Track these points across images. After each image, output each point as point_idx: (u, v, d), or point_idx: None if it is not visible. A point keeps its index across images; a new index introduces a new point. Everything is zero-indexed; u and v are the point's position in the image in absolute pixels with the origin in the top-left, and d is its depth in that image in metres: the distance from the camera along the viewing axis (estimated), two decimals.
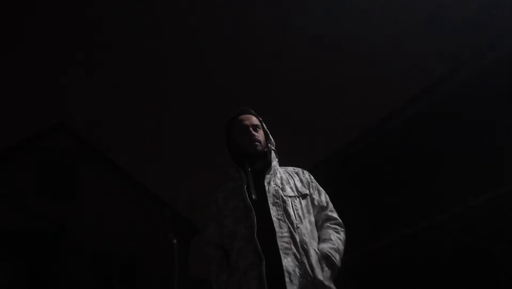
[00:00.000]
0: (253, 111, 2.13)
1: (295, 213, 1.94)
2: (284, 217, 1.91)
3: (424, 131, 5.50)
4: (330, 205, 2.07)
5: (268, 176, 2.00)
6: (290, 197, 1.97)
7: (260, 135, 2.05)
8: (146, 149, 6.39)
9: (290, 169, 2.10)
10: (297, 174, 2.08)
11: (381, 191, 6.17)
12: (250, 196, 1.93)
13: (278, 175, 2.03)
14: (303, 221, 1.96)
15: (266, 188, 1.95)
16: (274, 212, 1.91)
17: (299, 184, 2.03)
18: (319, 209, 2.04)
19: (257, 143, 2.02)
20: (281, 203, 1.94)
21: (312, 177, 2.10)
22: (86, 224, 9.76)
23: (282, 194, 1.96)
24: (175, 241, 8.85)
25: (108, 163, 10.56)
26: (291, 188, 2.00)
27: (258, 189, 1.96)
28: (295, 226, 1.92)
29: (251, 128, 2.04)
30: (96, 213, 9.98)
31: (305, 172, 2.11)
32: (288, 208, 1.93)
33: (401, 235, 5.63)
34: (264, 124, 2.12)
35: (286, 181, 2.02)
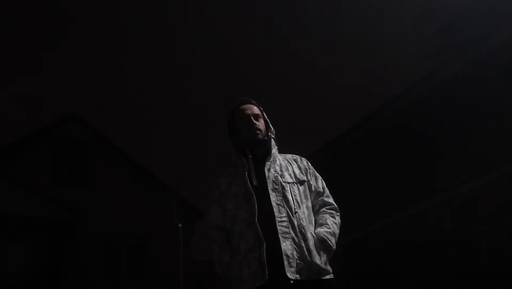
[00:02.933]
0: (254, 102, 2.13)
1: (293, 199, 1.95)
2: (283, 202, 1.92)
3: (415, 120, 5.48)
4: (327, 190, 2.08)
5: (268, 163, 2.00)
6: (288, 183, 1.97)
7: (260, 124, 2.06)
8: (153, 138, 6.37)
9: (288, 156, 2.11)
10: (295, 161, 2.09)
11: (370, 179, 6.18)
12: (251, 182, 1.94)
13: (278, 162, 2.03)
14: (301, 206, 1.96)
15: (266, 174, 1.96)
16: (273, 197, 1.91)
17: (297, 171, 2.04)
18: (316, 194, 2.05)
19: (258, 131, 2.02)
20: (280, 189, 1.94)
21: (310, 164, 2.10)
22: (97, 210, 9.82)
23: (281, 180, 1.96)
24: (180, 225, 8.96)
25: (117, 151, 10.60)
26: (289, 174, 2.01)
27: (259, 175, 1.97)
28: (293, 211, 1.92)
29: (252, 118, 2.04)
30: (107, 199, 10.04)
31: (303, 159, 2.11)
32: (287, 193, 1.94)
33: (392, 221, 5.66)
34: (264, 114, 2.13)
35: (285, 167, 2.03)
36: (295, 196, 1.97)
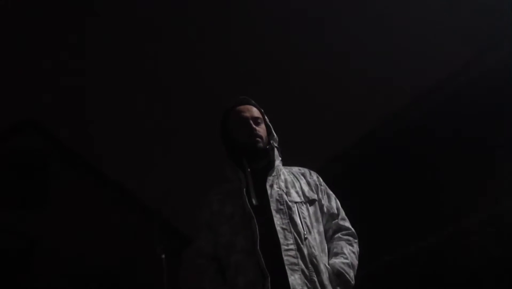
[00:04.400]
0: (253, 102, 2.10)
1: (302, 222, 1.91)
2: (289, 227, 1.88)
3: (443, 130, 5.47)
4: (342, 212, 2.05)
5: (270, 178, 1.96)
6: (296, 202, 1.94)
7: (261, 129, 2.03)
8: (130, 149, 6.30)
9: (295, 169, 2.08)
10: (303, 175, 2.06)
11: (395, 194, 6.13)
12: (250, 201, 1.90)
13: (282, 177, 2.00)
14: (312, 231, 1.93)
15: (269, 192, 1.92)
16: (278, 220, 1.87)
17: (306, 188, 2.01)
18: (329, 217, 2.02)
19: (258, 139, 1.99)
20: (286, 210, 1.90)
21: (321, 179, 2.08)
22: (60, 237, 9.75)
23: (287, 199, 1.93)
24: (163, 256, 8.82)
25: (84, 166, 10.54)
26: (296, 192, 1.97)
27: (259, 192, 1.93)
28: (302, 237, 1.89)
29: (251, 121, 2.01)
30: (72, 224, 9.97)
31: (313, 173, 2.09)
32: (294, 215, 1.90)
33: (425, 245, 5.61)
34: (266, 117, 2.10)
35: (291, 183, 1.99)
36: (304, 218, 1.93)
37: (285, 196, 1.93)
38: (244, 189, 1.93)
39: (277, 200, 1.91)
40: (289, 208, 1.91)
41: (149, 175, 5.23)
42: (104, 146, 4.57)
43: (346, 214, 2.08)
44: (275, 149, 2.03)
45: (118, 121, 4.14)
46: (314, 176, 2.08)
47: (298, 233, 1.88)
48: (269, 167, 2.00)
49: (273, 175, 1.98)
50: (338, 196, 2.11)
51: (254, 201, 1.90)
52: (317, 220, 1.97)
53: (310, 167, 2.16)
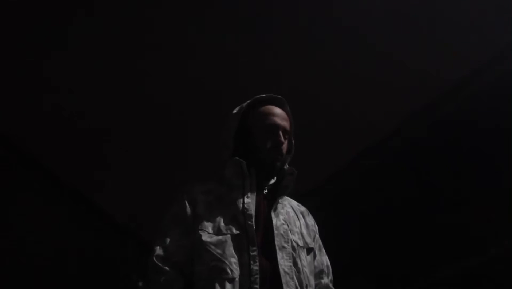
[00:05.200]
0: (288, 108, 1.93)
1: (303, 271, 1.66)
2: (292, 272, 1.60)
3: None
4: (331, 272, 1.86)
5: (278, 205, 1.73)
6: (299, 246, 1.71)
7: (285, 147, 1.86)
8: (102, 160, 5.36)
9: (294, 203, 1.91)
10: (302, 214, 1.89)
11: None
12: (246, 221, 1.61)
13: (287, 209, 1.80)
14: (310, 284, 1.69)
15: (274, 221, 1.68)
16: (281, 260, 1.59)
17: (304, 230, 1.83)
18: (319, 273, 1.80)
19: (279, 157, 1.82)
20: (290, 251, 1.65)
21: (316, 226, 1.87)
22: (16, 259, 8.41)
23: (291, 238, 1.70)
24: (140, 283, 8.24)
25: (49, 178, 9.00)
26: (297, 233, 1.76)
27: (262, 217, 1.69)
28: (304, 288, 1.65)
29: (281, 133, 1.83)
30: (31, 245, 8.62)
31: (310, 215, 1.93)
32: (298, 260, 1.66)
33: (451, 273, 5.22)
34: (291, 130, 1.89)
35: (293, 220, 1.79)
36: (304, 267, 1.67)
37: (289, 234, 1.70)
38: (242, 203, 1.63)
39: (282, 235, 1.66)
40: (294, 249, 1.68)
41: (125, 193, 5.23)
42: (74, 158, 4.86)
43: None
44: (293, 174, 1.80)
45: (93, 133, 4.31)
46: (312, 220, 1.91)
47: (300, 283, 1.63)
48: (280, 189, 1.79)
49: (283, 202, 1.79)
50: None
51: (253, 225, 1.62)
52: (311, 273, 1.74)
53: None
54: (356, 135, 4.44)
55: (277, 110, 1.88)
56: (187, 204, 1.69)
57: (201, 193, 1.74)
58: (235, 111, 1.90)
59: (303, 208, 1.91)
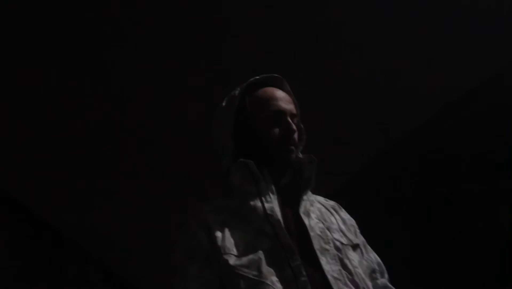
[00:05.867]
0: (288, 86, 1.65)
1: (356, 272, 1.41)
2: (343, 276, 1.35)
3: None
4: (384, 269, 1.61)
5: (304, 202, 1.48)
6: (342, 244, 1.45)
7: (297, 132, 1.58)
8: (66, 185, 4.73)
9: (320, 198, 1.63)
10: (333, 208, 1.61)
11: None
12: (277, 230, 1.37)
13: (316, 204, 1.55)
14: (368, 286, 1.43)
15: (306, 222, 1.41)
16: (326, 265, 1.34)
17: (343, 226, 1.55)
18: (371, 273, 1.54)
19: (292, 148, 1.53)
20: (335, 252, 1.39)
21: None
22: None
23: (332, 237, 1.44)
24: None
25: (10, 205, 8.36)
26: (337, 229, 1.50)
27: (291, 221, 1.43)
28: None
29: (289, 119, 1.54)
30: None
31: (342, 208, 1.66)
32: (346, 261, 1.40)
33: None
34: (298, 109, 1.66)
35: (328, 217, 1.53)
36: (355, 267, 1.42)
37: (328, 232, 1.43)
38: (264, 210, 1.40)
39: (319, 236, 1.41)
40: (338, 249, 1.41)
41: (87, 215, 4.36)
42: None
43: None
44: (313, 162, 1.55)
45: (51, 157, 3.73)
46: (347, 214, 1.64)
47: (356, 286, 1.37)
48: (302, 184, 1.52)
49: (309, 198, 1.52)
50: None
51: (286, 232, 1.37)
52: (365, 273, 1.47)
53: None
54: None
55: (279, 92, 1.59)
56: (199, 230, 1.43)
57: (211, 213, 1.46)
58: (225, 103, 1.59)
59: (332, 202, 1.65)
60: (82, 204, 4.10)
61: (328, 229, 1.45)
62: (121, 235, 4.39)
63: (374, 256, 1.59)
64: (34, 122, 3.40)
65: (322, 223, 1.46)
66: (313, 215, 1.46)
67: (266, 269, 1.30)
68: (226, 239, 1.37)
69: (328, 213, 1.55)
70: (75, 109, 3.32)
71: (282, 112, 1.53)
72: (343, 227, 1.54)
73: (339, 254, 1.39)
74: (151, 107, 3.37)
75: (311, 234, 1.38)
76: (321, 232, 1.41)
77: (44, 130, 3.43)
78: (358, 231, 1.60)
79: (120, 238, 4.48)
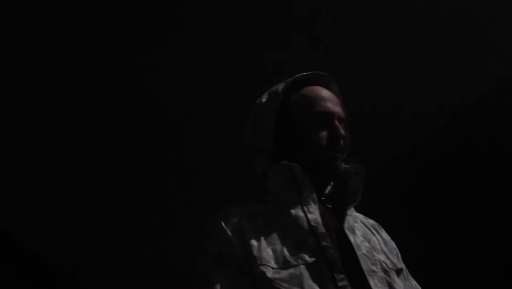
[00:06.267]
0: (337, 87, 1.53)
1: None
2: None
3: None
4: None
5: (348, 218, 1.37)
6: (389, 268, 1.33)
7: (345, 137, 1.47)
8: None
9: (360, 215, 1.51)
10: (373, 228, 1.49)
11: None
12: (325, 244, 1.25)
13: (359, 223, 1.43)
14: None
15: (352, 240, 1.30)
16: (375, 288, 1.23)
17: (385, 248, 1.43)
18: None
19: (339, 154, 1.41)
20: (383, 275, 1.28)
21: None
22: None
23: (380, 259, 1.32)
24: None
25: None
26: (381, 251, 1.38)
27: (334, 236, 1.30)
28: None
29: (337, 123, 1.42)
30: None
31: (382, 228, 1.54)
32: (395, 286, 1.29)
33: None
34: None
35: (371, 237, 1.42)
36: None
37: (375, 253, 1.31)
38: (308, 221, 1.29)
39: (366, 255, 1.28)
40: (385, 272, 1.29)
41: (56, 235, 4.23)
42: None
43: None
44: (361, 173, 1.44)
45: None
46: (387, 235, 1.52)
47: None
48: (349, 197, 1.42)
49: (350, 213, 1.41)
50: None
51: (330, 249, 1.25)
52: None
53: None
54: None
55: (327, 92, 1.47)
56: (231, 236, 1.29)
57: (244, 218, 1.33)
58: (266, 99, 1.46)
59: (371, 221, 1.53)
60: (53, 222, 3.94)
61: (374, 249, 1.33)
62: (93, 255, 4.21)
63: (415, 284, 1.47)
64: None
65: (368, 241, 1.34)
66: (358, 232, 1.34)
67: (309, 286, 1.19)
68: (262, 248, 1.25)
69: (370, 232, 1.44)
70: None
71: (330, 115, 1.42)
72: (385, 249, 1.42)
73: (387, 278, 1.28)
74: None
75: (358, 252, 1.25)
76: (367, 251, 1.29)
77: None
78: (399, 255, 1.49)
79: (92, 258, 4.28)
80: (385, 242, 1.46)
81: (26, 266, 5.01)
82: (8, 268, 4.67)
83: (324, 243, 1.24)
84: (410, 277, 1.48)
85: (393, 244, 1.49)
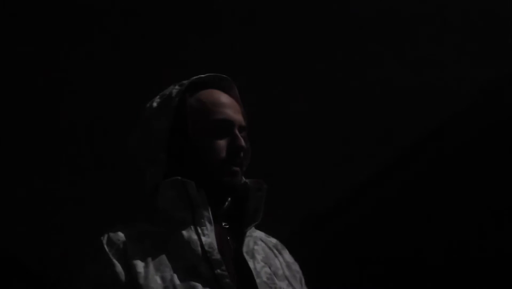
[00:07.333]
0: (237, 91, 1.33)
1: None
2: None
3: None
4: None
5: (248, 239, 1.21)
6: None
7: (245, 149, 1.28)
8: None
9: (261, 234, 1.33)
10: (276, 248, 1.31)
11: None
12: (218, 273, 1.10)
13: (260, 244, 1.26)
14: None
15: (251, 266, 1.15)
16: None
17: (287, 272, 1.26)
18: None
19: (238, 169, 1.22)
20: None
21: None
22: None
23: (280, 286, 1.17)
24: None
25: None
26: (282, 276, 1.22)
27: (231, 262, 1.15)
28: None
29: (237, 132, 1.24)
30: None
31: (285, 249, 1.35)
32: None
33: None
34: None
35: (273, 260, 1.25)
36: None
37: (276, 280, 1.17)
38: (201, 246, 1.13)
39: (266, 283, 1.14)
40: None
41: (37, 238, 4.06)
42: None
43: None
44: (262, 189, 1.27)
45: None
46: (291, 256, 1.34)
47: None
48: (247, 216, 1.25)
49: (250, 234, 1.23)
50: None
51: (225, 278, 1.10)
52: None
53: None
54: None
55: (226, 97, 1.29)
56: (114, 261, 1.12)
57: (130, 240, 1.16)
58: (157, 103, 1.27)
59: (274, 240, 1.35)
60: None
61: (275, 275, 1.19)
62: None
63: None
64: None
65: (269, 267, 1.20)
66: (258, 257, 1.19)
67: None
68: (149, 276, 1.10)
69: (272, 254, 1.28)
70: None
71: (230, 123, 1.24)
72: (288, 273, 1.27)
73: None
74: None
75: (257, 280, 1.13)
76: (267, 278, 1.16)
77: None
78: (303, 279, 1.34)
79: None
80: (288, 265, 1.30)
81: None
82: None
83: (218, 271, 1.11)
84: None
85: (296, 267, 1.34)
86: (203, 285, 1.07)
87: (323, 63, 2.97)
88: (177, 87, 1.26)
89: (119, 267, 1.10)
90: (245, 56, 2.91)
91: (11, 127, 3.26)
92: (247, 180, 1.27)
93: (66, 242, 3.65)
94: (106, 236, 1.15)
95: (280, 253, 1.29)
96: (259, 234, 1.30)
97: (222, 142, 1.21)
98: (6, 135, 3.30)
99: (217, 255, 1.11)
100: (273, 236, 1.35)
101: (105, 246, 1.12)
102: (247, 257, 1.14)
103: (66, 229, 3.78)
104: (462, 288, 3.57)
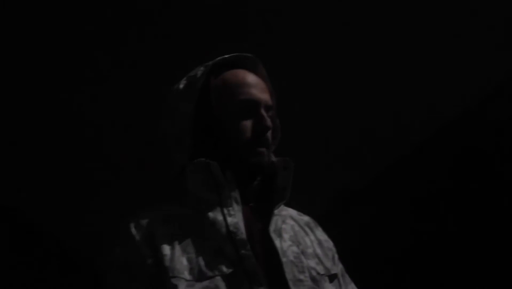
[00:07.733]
0: (264, 70, 1.31)
1: None
2: None
3: None
4: None
5: (275, 218, 1.19)
6: (320, 274, 1.18)
7: (272, 127, 1.25)
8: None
9: (293, 212, 1.32)
10: (308, 226, 1.30)
11: None
12: (244, 253, 1.09)
13: (289, 222, 1.25)
14: None
15: (277, 244, 1.14)
16: None
17: (319, 250, 1.25)
18: None
19: (264, 149, 1.20)
20: (310, 284, 1.13)
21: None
22: None
23: (308, 265, 1.16)
24: None
25: None
26: (312, 255, 1.21)
27: (257, 242, 1.14)
28: None
29: (263, 111, 1.22)
30: None
31: (319, 226, 1.34)
32: None
33: None
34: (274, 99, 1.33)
35: (302, 238, 1.24)
36: None
37: (303, 259, 1.16)
38: (227, 226, 1.13)
39: (292, 262, 1.13)
40: (314, 280, 1.15)
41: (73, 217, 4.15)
42: None
43: None
44: (289, 168, 1.25)
45: None
46: (324, 233, 1.32)
47: None
48: (275, 194, 1.23)
49: (278, 213, 1.22)
50: None
51: (252, 255, 1.10)
52: None
53: None
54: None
55: (252, 77, 1.27)
56: (141, 244, 1.13)
57: (157, 222, 1.16)
58: (183, 86, 1.26)
59: (306, 218, 1.34)
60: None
61: (303, 253, 1.18)
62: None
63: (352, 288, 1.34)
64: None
65: (297, 246, 1.19)
66: (285, 236, 1.19)
67: None
68: (175, 258, 1.10)
69: (302, 233, 1.27)
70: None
71: (255, 103, 1.23)
72: (319, 251, 1.26)
73: (316, 287, 1.14)
74: None
75: (283, 260, 1.12)
76: (295, 257, 1.15)
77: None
78: (336, 256, 1.32)
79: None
80: (320, 243, 1.29)
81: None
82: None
83: (243, 251, 1.10)
84: (348, 281, 1.33)
85: (329, 244, 1.32)
86: (228, 266, 1.07)
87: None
88: (202, 68, 1.25)
89: (146, 250, 1.11)
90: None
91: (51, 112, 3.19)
92: (274, 159, 1.26)
93: (101, 223, 3.66)
94: (134, 219, 1.17)
95: (312, 231, 1.28)
96: (291, 212, 1.30)
97: (248, 123, 1.20)
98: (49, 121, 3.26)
99: (241, 235, 1.11)
100: (306, 214, 1.33)
101: (133, 229, 1.14)
102: (273, 236, 1.14)
103: (103, 211, 3.84)
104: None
